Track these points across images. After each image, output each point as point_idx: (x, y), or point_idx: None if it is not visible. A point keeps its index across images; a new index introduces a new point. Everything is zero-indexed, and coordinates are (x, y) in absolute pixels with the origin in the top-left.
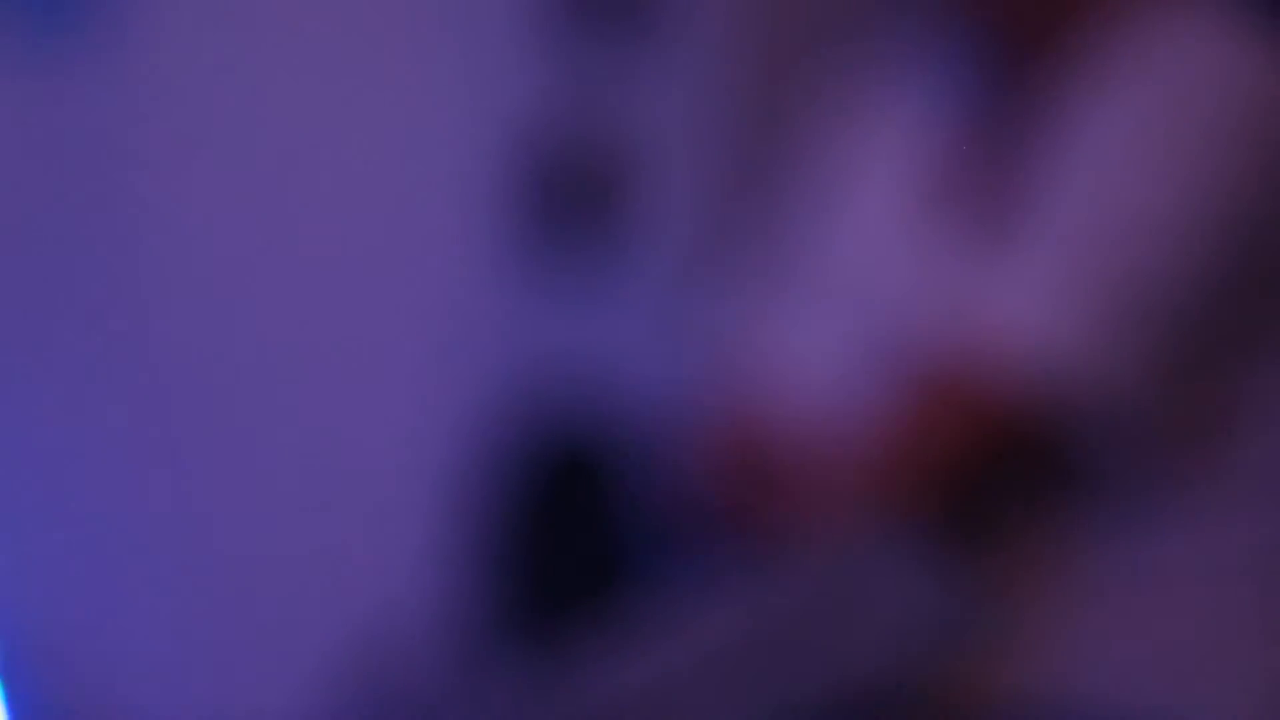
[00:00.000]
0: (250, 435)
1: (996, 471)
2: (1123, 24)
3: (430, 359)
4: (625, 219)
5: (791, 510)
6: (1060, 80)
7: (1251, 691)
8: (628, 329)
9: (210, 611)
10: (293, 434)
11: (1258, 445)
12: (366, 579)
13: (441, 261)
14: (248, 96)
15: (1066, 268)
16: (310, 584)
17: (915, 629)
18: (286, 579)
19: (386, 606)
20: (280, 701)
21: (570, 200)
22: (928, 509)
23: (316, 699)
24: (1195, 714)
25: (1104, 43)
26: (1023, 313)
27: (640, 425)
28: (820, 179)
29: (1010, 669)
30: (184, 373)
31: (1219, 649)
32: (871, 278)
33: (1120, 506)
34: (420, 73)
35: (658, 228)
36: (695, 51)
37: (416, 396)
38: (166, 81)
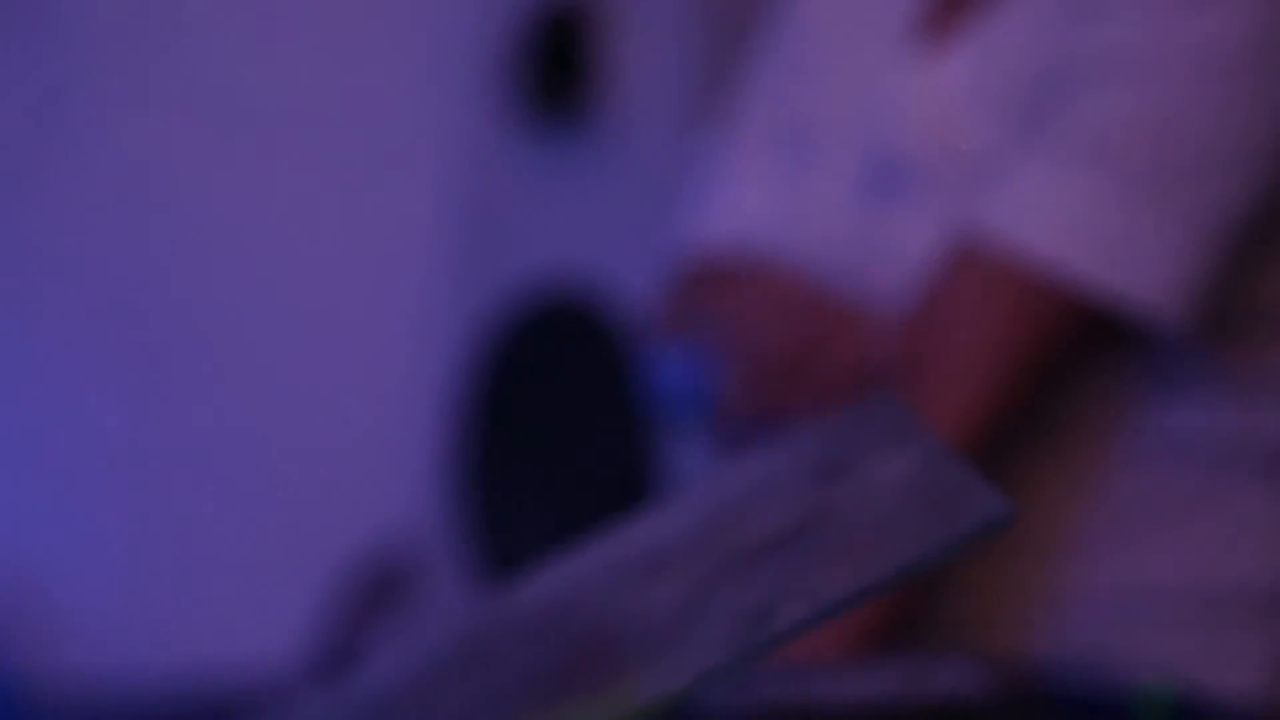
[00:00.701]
0: (244, 342)
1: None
2: None
3: (422, 251)
4: (602, 89)
5: (795, 388)
6: None
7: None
8: (612, 207)
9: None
10: (284, 339)
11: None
12: (369, 485)
13: (428, 151)
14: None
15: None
16: (308, 497)
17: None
18: (286, 493)
19: (387, 517)
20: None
21: (548, 77)
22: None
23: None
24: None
25: None
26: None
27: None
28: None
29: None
30: (169, 278)
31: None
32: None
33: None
34: None
35: (635, 95)
36: None
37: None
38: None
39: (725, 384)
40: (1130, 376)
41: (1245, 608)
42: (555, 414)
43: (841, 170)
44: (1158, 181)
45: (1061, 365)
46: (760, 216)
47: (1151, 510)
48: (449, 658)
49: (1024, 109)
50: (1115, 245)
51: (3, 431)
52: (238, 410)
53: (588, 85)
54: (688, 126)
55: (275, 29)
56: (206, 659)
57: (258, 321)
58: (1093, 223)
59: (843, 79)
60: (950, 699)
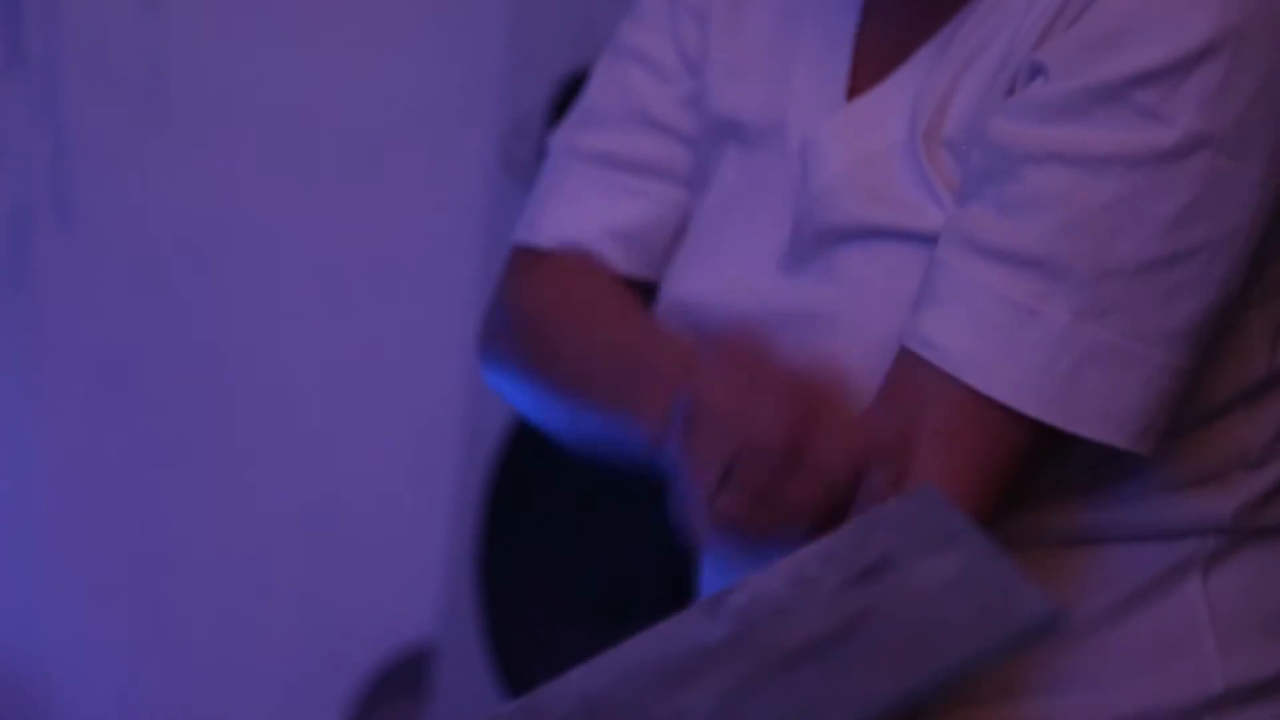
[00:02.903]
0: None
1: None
2: None
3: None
4: None
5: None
6: None
7: None
8: None
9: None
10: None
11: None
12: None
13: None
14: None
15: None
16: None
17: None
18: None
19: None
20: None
21: None
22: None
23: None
24: None
25: None
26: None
27: None
28: None
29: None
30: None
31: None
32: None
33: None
34: None
35: None
36: None
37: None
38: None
39: (707, 489)
40: (1078, 473)
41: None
42: (580, 508)
43: (767, 238)
44: (1108, 304)
45: (1027, 468)
46: (678, 263)
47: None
48: None
49: (958, 172)
50: (1074, 394)
51: (3, 530)
52: (247, 510)
53: None
54: None
55: (296, 137)
56: None
57: (271, 420)
58: (1049, 367)
59: (774, 113)
60: None
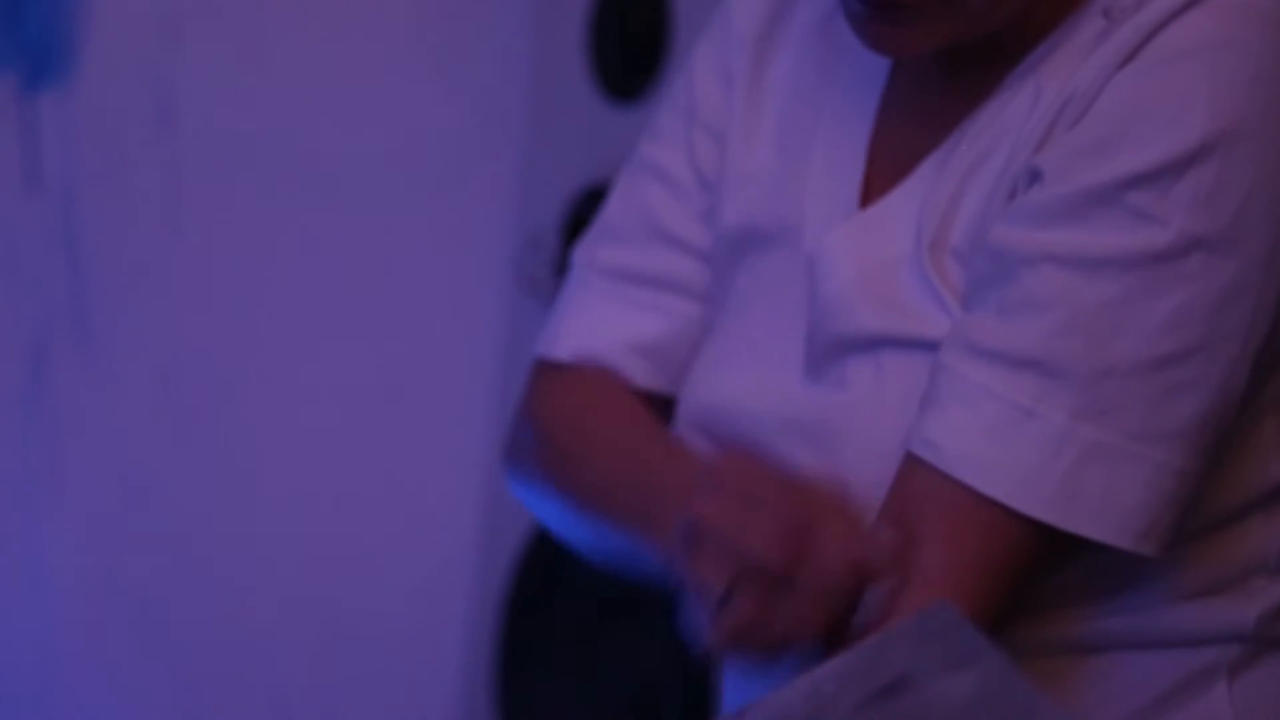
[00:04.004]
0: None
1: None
2: None
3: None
4: None
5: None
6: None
7: None
8: None
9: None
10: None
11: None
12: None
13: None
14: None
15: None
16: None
17: None
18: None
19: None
20: None
21: None
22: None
23: None
24: None
25: None
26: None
27: None
28: None
29: None
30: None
31: None
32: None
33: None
34: None
35: None
36: None
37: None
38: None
39: (711, 609)
40: (1092, 579)
41: None
42: (599, 621)
43: (785, 343)
44: (1105, 403)
45: (1031, 570)
46: (699, 372)
47: None
48: None
49: (962, 280)
50: (1073, 494)
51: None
52: (265, 629)
53: None
54: None
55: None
56: None
57: (289, 537)
58: (1047, 467)
59: (789, 221)
60: None
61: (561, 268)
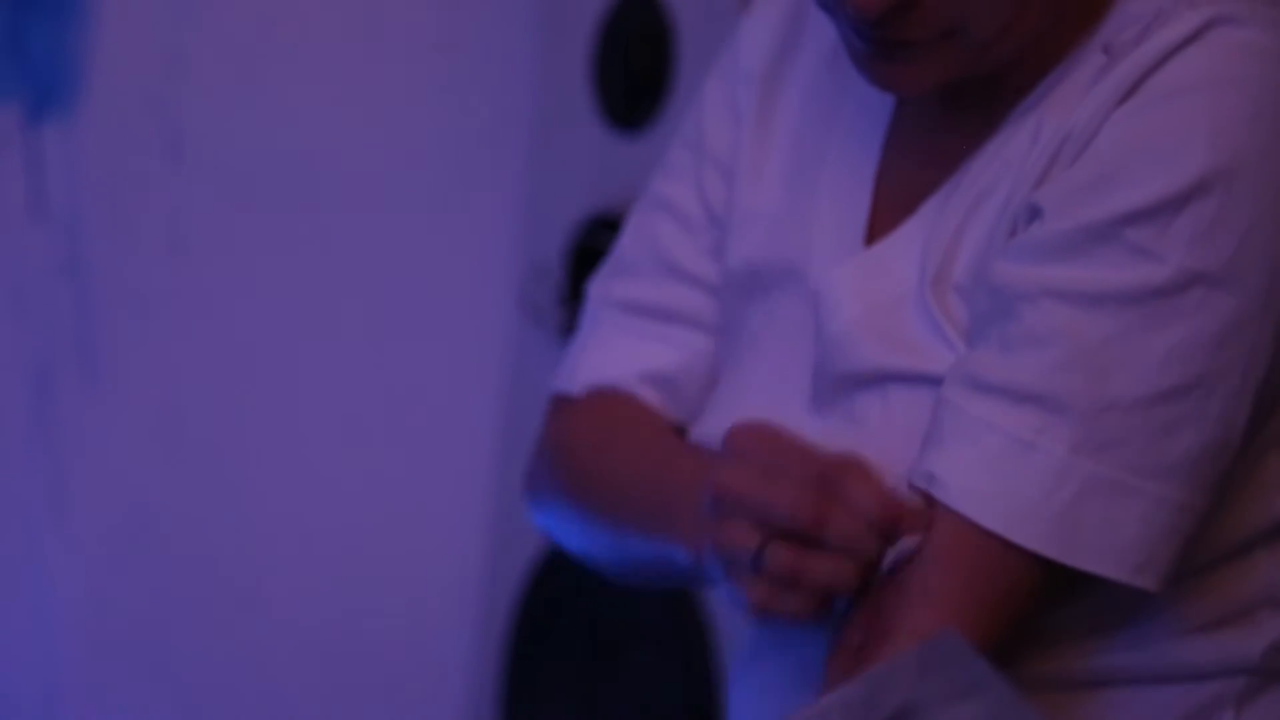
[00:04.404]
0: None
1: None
2: None
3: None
4: None
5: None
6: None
7: None
8: None
9: None
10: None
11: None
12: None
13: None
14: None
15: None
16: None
17: None
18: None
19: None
20: None
21: None
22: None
23: None
24: None
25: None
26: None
27: None
28: None
29: None
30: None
31: None
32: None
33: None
34: None
35: None
36: None
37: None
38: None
39: (741, 579)
40: (1096, 613)
41: None
42: (602, 657)
43: (793, 379)
44: (1105, 438)
45: (1033, 602)
46: (707, 412)
47: None
48: None
49: (966, 316)
50: (1073, 527)
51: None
52: (269, 662)
53: None
54: None
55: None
56: None
57: (295, 569)
58: (1047, 501)
59: (796, 258)
60: None
61: (565, 295)
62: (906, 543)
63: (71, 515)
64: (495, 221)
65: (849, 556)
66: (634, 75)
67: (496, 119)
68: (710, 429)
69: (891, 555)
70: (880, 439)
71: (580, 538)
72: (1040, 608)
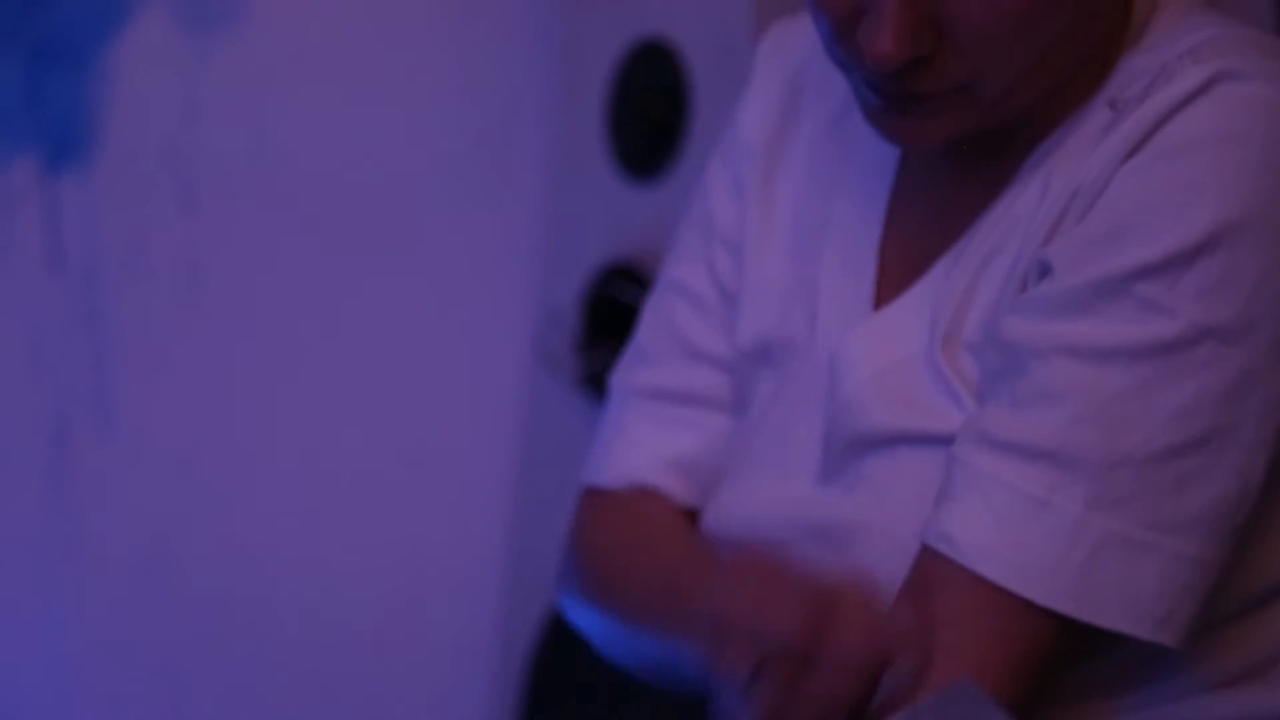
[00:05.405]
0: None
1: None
2: None
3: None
4: None
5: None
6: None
7: None
8: None
9: None
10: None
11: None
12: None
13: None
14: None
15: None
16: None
17: None
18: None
19: None
20: None
21: None
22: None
23: None
24: None
25: None
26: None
27: None
28: None
29: None
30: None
31: None
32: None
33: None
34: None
35: None
36: None
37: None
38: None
39: (741, 697)
40: (1118, 670)
41: None
42: (615, 705)
43: (802, 448)
44: (1119, 493)
45: (1054, 661)
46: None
47: None
48: None
49: (977, 372)
50: (1090, 584)
51: None
52: (284, 709)
53: None
54: None
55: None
56: None
57: (310, 619)
58: (1063, 558)
59: (804, 328)
60: None
61: (581, 343)
62: (901, 667)
63: (87, 564)
64: (511, 269)
65: (842, 681)
66: (650, 124)
67: (512, 167)
68: (723, 506)
69: (888, 681)
70: (890, 501)
71: (605, 638)
72: (1063, 665)
